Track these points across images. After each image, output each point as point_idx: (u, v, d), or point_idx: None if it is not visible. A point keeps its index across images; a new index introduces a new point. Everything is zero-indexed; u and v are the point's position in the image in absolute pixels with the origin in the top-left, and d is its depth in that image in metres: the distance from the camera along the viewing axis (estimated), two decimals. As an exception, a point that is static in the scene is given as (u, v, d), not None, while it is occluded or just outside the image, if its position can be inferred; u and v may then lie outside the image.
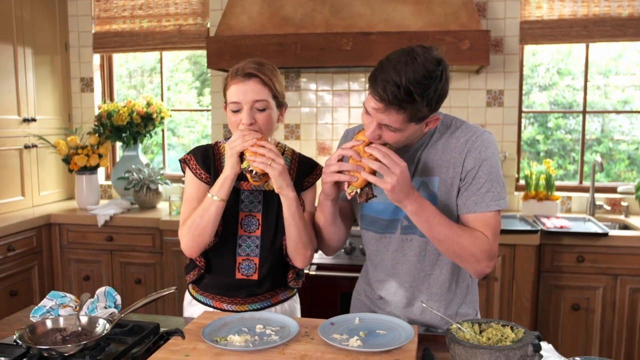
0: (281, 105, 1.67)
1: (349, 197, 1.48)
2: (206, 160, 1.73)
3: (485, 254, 1.51)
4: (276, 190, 1.58)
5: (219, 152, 1.76)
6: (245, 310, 1.74)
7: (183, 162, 1.76)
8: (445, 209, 1.56)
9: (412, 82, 1.34)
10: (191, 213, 1.66)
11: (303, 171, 1.76)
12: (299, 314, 1.89)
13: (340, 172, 1.47)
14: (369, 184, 1.45)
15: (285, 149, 1.79)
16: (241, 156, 1.58)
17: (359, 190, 1.46)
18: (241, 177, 1.64)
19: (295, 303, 1.88)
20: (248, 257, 1.72)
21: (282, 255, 1.74)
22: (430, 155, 1.57)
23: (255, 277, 1.73)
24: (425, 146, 1.58)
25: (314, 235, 1.71)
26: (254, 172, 1.55)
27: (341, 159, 1.49)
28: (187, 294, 1.88)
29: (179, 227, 1.71)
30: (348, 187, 1.47)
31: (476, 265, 1.52)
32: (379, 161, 1.42)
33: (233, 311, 1.74)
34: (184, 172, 1.77)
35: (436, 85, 1.37)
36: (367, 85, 1.44)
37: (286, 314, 1.79)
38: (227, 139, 1.76)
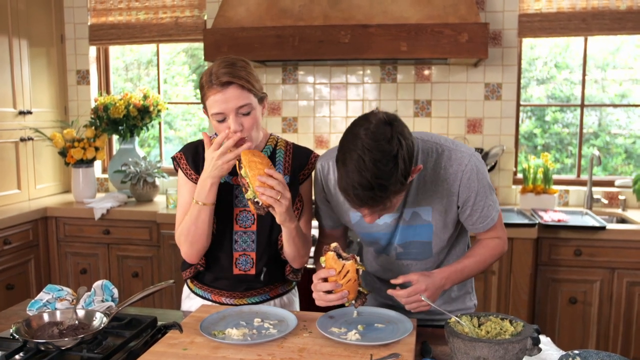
0: (262, 99, 1.62)
1: (347, 306, 1.52)
2: (196, 159, 1.70)
3: (502, 250, 1.67)
4: (278, 222, 1.55)
5: None
6: (244, 304, 1.73)
7: (174, 160, 1.74)
8: (442, 233, 1.61)
9: (379, 176, 1.28)
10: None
11: (298, 163, 1.74)
12: (297, 308, 1.89)
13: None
14: (359, 292, 1.49)
15: (279, 141, 1.77)
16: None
17: (354, 302, 1.49)
18: (233, 172, 1.61)
19: (294, 296, 1.87)
20: (245, 252, 1.71)
21: (278, 250, 1.73)
22: (419, 187, 1.55)
23: (252, 271, 1.72)
24: (413, 180, 1.54)
25: (310, 240, 1.73)
26: (260, 203, 1.50)
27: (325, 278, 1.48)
28: (185, 288, 1.87)
29: (175, 234, 1.70)
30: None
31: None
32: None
33: (232, 304, 1.74)
34: (176, 170, 1.75)
35: (402, 156, 1.30)
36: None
37: (285, 307, 1.79)
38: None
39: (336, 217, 1.71)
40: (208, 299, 1.78)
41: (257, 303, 1.75)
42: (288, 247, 1.64)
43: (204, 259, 1.74)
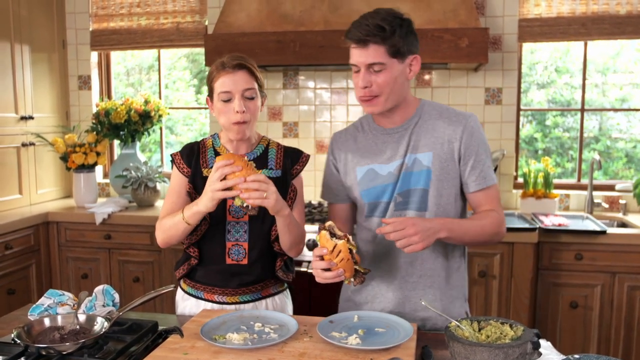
0: (263, 95, 1.77)
1: (347, 284, 1.56)
2: (190, 155, 1.81)
3: (499, 225, 1.64)
4: (272, 213, 1.61)
5: (205, 147, 1.83)
6: (236, 302, 1.77)
7: (172, 157, 1.84)
8: (440, 183, 1.64)
9: (380, 19, 1.54)
10: (169, 207, 1.76)
11: (290, 159, 1.82)
12: (290, 310, 1.90)
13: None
14: (357, 271, 1.50)
15: (270, 142, 1.85)
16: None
17: (352, 279, 1.51)
18: None
19: (286, 298, 1.90)
20: (237, 242, 1.75)
21: (270, 241, 1.77)
22: (422, 133, 1.66)
23: (245, 261, 1.75)
24: (416, 125, 1.67)
25: (304, 231, 1.78)
26: (249, 207, 1.54)
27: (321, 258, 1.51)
28: (178, 290, 1.91)
29: (158, 220, 1.77)
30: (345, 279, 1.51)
31: (497, 240, 1.68)
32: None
33: (224, 302, 1.77)
34: (172, 166, 1.84)
35: (402, 21, 1.56)
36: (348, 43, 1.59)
37: (277, 308, 1.82)
38: (213, 136, 1.85)
39: (342, 189, 1.77)
40: (201, 298, 1.81)
41: (248, 302, 1.78)
42: (284, 235, 1.69)
43: (197, 252, 1.78)
